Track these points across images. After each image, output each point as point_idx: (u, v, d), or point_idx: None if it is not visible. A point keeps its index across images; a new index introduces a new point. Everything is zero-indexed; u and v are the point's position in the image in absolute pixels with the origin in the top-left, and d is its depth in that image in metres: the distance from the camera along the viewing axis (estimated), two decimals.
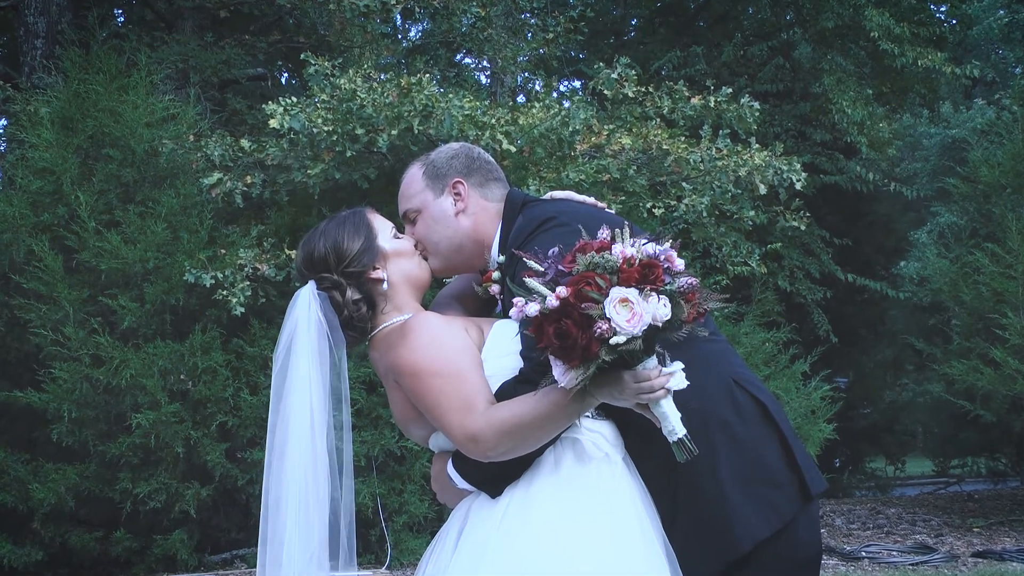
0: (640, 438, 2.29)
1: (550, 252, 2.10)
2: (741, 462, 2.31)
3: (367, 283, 2.46)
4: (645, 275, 2.01)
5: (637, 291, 1.98)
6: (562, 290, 2.00)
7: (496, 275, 2.52)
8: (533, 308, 2.02)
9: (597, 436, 2.32)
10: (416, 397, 2.31)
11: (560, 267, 2.04)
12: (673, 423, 2.11)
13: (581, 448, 2.31)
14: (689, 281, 2.03)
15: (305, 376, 2.41)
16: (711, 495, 2.29)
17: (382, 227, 2.51)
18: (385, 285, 2.46)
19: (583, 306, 1.98)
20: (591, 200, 2.62)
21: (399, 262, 2.49)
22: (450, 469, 2.36)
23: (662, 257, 2.05)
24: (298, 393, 2.41)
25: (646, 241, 2.07)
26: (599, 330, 1.97)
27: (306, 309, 2.44)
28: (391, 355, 2.36)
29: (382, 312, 2.48)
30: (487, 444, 2.20)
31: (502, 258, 2.48)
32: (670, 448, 2.14)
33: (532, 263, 2.10)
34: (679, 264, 2.04)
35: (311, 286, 2.47)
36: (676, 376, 2.10)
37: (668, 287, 2.02)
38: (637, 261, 2.02)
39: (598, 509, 2.26)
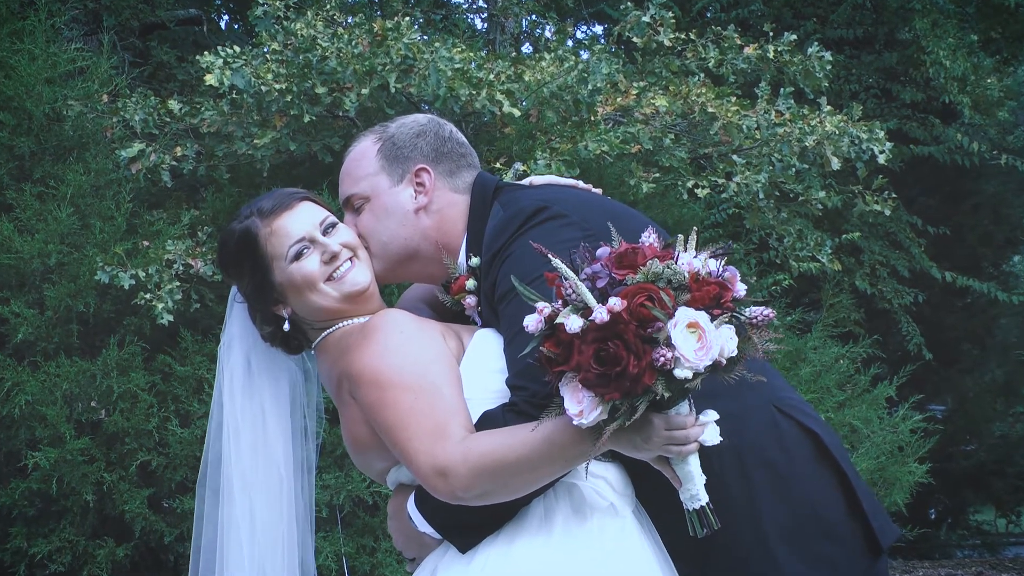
0: (656, 484, 2.27)
1: (599, 252, 2.08)
2: (789, 510, 2.33)
3: (274, 318, 2.51)
4: (718, 298, 2.02)
5: (708, 316, 2.00)
6: (616, 302, 1.98)
7: (470, 283, 2.48)
8: (576, 323, 1.99)
9: (600, 482, 2.32)
10: (374, 413, 2.30)
11: (613, 273, 2.03)
12: (698, 486, 2.14)
13: (580, 496, 2.30)
14: (765, 312, 2.06)
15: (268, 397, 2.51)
16: (751, 554, 2.31)
17: (278, 248, 2.45)
18: (287, 325, 2.49)
19: (653, 326, 1.97)
20: (583, 185, 2.59)
21: (298, 297, 2.47)
22: (410, 506, 2.36)
23: (726, 277, 2.07)
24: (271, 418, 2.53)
25: (708, 255, 2.08)
26: (661, 358, 1.96)
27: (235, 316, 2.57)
28: (346, 360, 2.36)
29: (313, 329, 2.52)
30: (458, 481, 2.18)
31: (475, 261, 2.43)
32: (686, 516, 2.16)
33: (560, 263, 2.06)
34: (740, 289, 2.07)
35: (234, 291, 2.59)
36: (709, 428, 2.13)
37: (739, 316, 2.04)
38: (701, 277, 2.04)
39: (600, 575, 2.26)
